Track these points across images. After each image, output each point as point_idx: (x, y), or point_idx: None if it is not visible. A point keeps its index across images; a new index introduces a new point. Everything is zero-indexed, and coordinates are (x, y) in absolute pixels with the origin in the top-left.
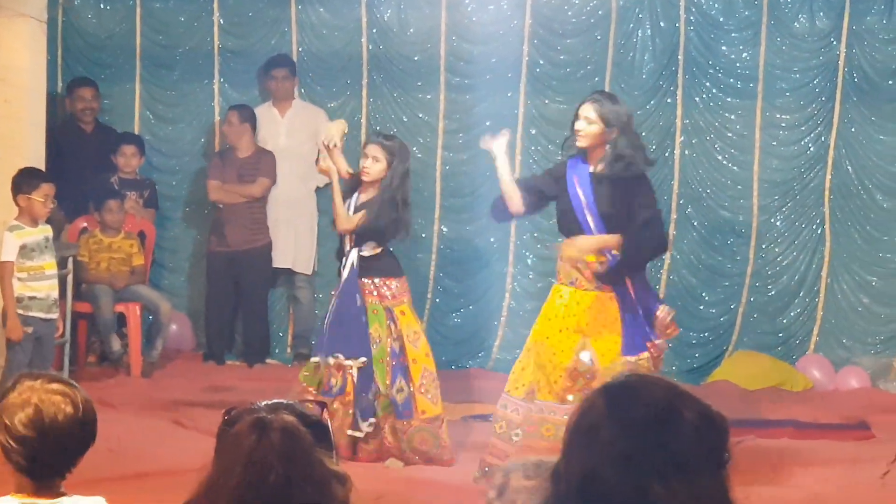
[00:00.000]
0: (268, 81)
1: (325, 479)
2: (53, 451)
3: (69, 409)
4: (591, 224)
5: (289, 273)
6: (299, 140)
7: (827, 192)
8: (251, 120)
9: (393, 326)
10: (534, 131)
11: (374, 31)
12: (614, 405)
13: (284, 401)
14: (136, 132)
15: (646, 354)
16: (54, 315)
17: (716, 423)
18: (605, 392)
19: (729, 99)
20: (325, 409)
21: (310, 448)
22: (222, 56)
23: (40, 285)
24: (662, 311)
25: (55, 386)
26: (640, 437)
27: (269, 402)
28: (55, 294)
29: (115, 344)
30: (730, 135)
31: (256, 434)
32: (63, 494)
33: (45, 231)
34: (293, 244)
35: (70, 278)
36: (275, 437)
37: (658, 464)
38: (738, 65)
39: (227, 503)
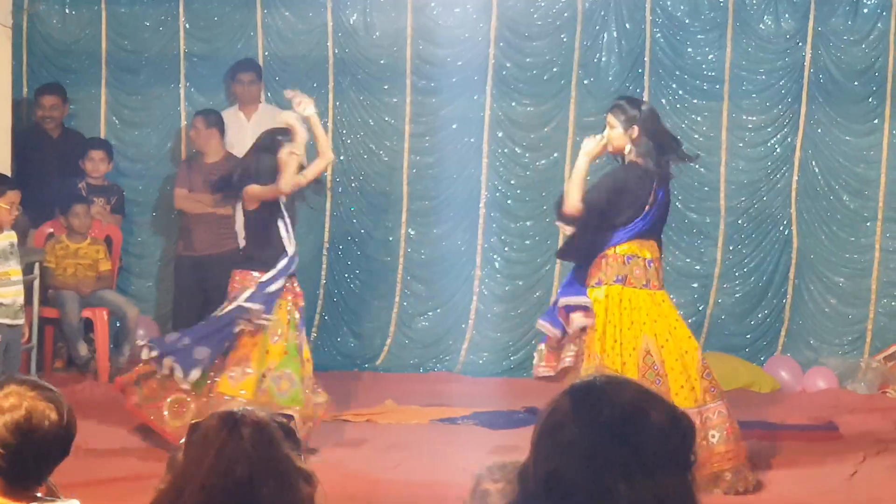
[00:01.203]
0: (234, 85)
1: (293, 475)
2: (35, 456)
3: (54, 416)
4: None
5: None
6: None
7: (794, 194)
8: (219, 125)
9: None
10: (500, 134)
11: (340, 34)
12: (579, 405)
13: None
14: (103, 137)
15: None
16: (20, 321)
17: (682, 424)
18: (570, 392)
19: (695, 101)
20: (292, 420)
21: (279, 444)
22: (188, 60)
23: (6, 291)
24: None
25: (41, 392)
26: (606, 437)
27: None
28: (21, 300)
29: (83, 349)
30: (696, 136)
31: (227, 428)
32: (37, 499)
33: (10, 237)
34: None
35: (36, 284)
36: (245, 432)
37: (623, 463)
38: (703, 66)
39: (193, 496)
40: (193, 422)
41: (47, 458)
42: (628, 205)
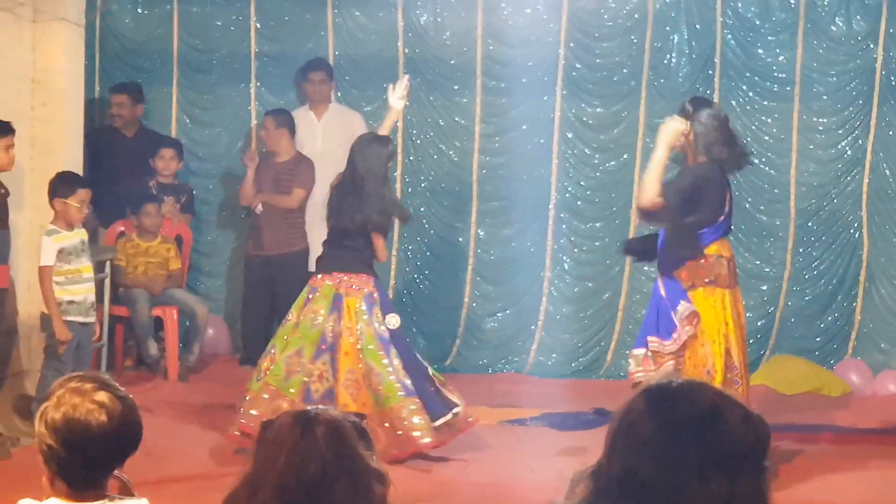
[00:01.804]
0: (305, 85)
1: (366, 475)
2: (84, 458)
3: (102, 418)
4: None
5: None
6: (336, 144)
7: (864, 196)
8: (289, 125)
9: (336, 313)
10: (570, 135)
11: (410, 34)
12: (655, 405)
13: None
14: (174, 136)
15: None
16: (92, 319)
17: (757, 428)
18: (646, 393)
19: (765, 102)
20: (364, 419)
21: (353, 443)
22: (259, 60)
23: (78, 289)
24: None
25: (94, 392)
26: (681, 436)
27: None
28: (92, 297)
29: (153, 348)
30: (767, 138)
31: (301, 427)
32: (105, 497)
33: (81, 234)
34: None
35: (107, 282)
36: (319, 431)
37: (698, 463)
38: (774, 68)
39: (267, 495)
40: (266, 420)
41: (97, 459)
42: (708, 203)
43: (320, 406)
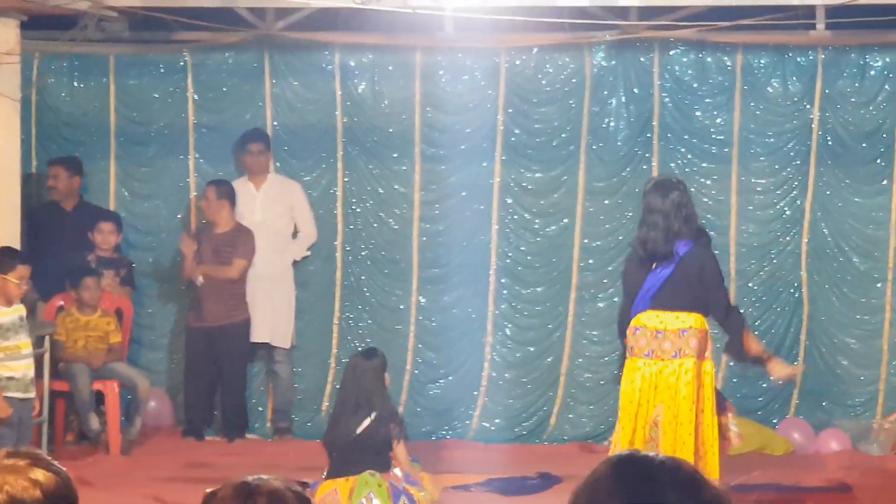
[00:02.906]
0: (243, 156)
1: None
2: None
3: (37, 494)
4: None
5: (267, 347)
6: (275, 214)
7: (804, 256)
8: (229, 195)
9: None
10: (510, 200)
11: (349, 103)
12: (627, 475)
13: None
14: (112, 209)
15: None
16: (31, 394)
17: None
18: (615, 462)
19: (704, 164)
20: (307, 488)
21: None
22: (197, 131)
23: (17, 364)
24: None
25: (28, 469)
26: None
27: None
28: (31, 373)
29: (94, 422)
30: (706, 200)
31: (242, 498)
32: None
33: (19, 310)
34: (271, 318)
35: (47, 357)
36: (261, 502)
37: None
38: (712, 130)
39: None
40: (208, 491)
41: None
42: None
43: (261, 476)
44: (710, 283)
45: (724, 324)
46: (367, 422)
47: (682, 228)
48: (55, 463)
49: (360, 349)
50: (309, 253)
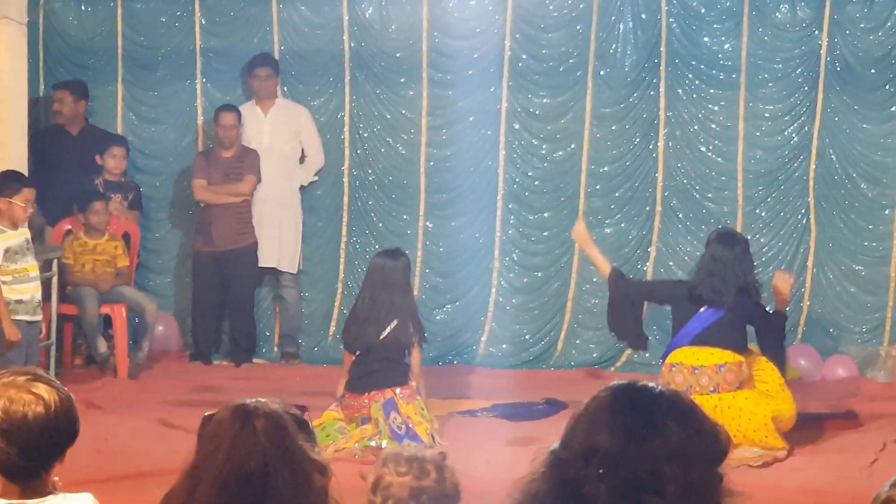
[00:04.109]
0: (251, 80)
1: (307, 467)
2: (23, 450)
3: (39, 409)
4: None
5: (274, 272)
6: (283, 138)
7: (811, 182)
8: (240, 120)
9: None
10: (517, 126)
11: (356, 28)
12: (627, 398)
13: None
14: (120, 133)
15: None
16: (38, 317)
17: (723, 438)
18: (617, 387)
19: (712, 90)
20: (305, 411)
21: (293, 436)
22: (204, 56)
23: (24, 287)
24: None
25: (30, 384)
26: (653, 424)
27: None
28: (39, 296)
29: (102, 346)
30: (713, 126)
31: (240, 421)
32: (51, 493)
33: (25, 233)
34: (278, 243)
35: (55, 281)
36: (259, 424)
37: (665, 447)
38: (720, 56)
39: (207, 490)
40: (206, 414)
41: (37, 451)
42: None
43: (260, 399)
44: (761, 325)
45: (775, 347)
46: (390, 326)
47: (735, 281)
48: (55, 380)
49: (381, 249)
50: (316, 178)
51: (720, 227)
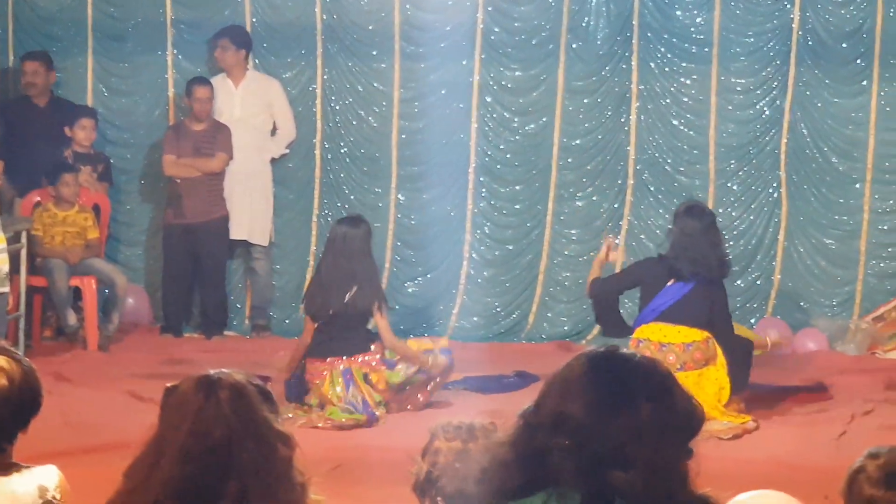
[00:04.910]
0: (217, 52)
1: (271, 438)
2: None
3: (3, 382)
4: None
5: (245, 245)
6: (254, 111)
7: (783, 156)
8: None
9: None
10: (489, 99)
11: (328, 0)
12: (601, 367)
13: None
14: (90, 105)
15: None
16: (6, 289)
17: (697, 413)
18: (591, 356)
19: (684, 64)
20: (268, 382)
21: (257, 406)
22: (175, 28)
23: None
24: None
25: None
26: (626, 396)
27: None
28: (6, 268)
29: (71, 318)
30: (685, 100)
31: (204, 392)
32: (13, 466)
33: None
34: (249, 215)
35: (24, 252)
36: (223, 395)
37: (635, 420)
38: (692, 29)
39: (172, 461)
40: (169, 385)
41: (1, 423)
42: None
43: (223, 370)
44: (718, 311)
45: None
46: (350, 293)
47: (710, 254)
48: (17, 352)
49: (341, 217)
50: (288, 151)
51: (686, 201)
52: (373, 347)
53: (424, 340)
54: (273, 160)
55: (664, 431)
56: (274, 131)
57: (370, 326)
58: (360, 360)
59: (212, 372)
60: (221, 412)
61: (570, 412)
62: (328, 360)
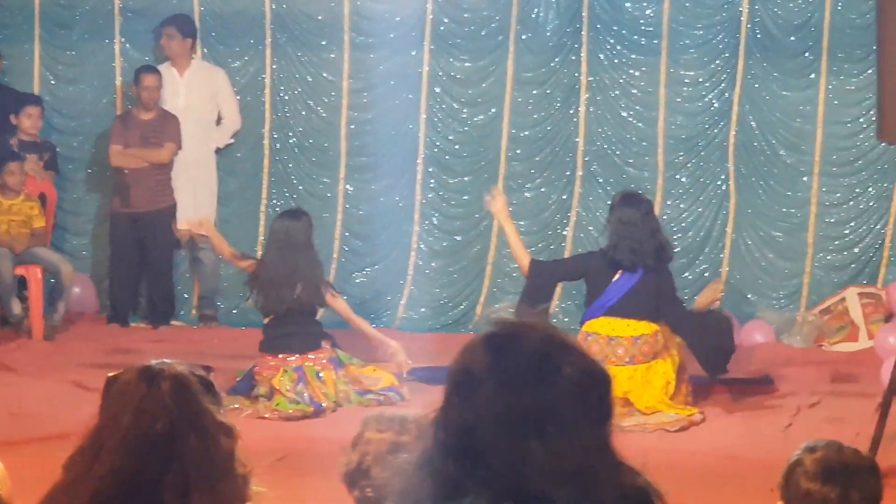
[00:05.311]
0: (162, 41)
1: (213, 430)
2: None
3: None
4: None
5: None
6: (199, 100)
7: (731, 148)
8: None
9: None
10: (438, 90)
11: None
12: (491, 350)
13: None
14: (37, 93)
15: None
16: None
17: (596, 378)
18: (486, 341)
19: (633, 56)
20: (210, 372)
21: (200, 397)
22: (123, 16)
23: None
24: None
25: None
26: (518, 395)
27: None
28: None
29: (16, 307)
30: (634, 91)
31: (146, 382)
32: None
33: None
34: (193, 205)
35: None
36: (165, 386)
37: (536, 421)
38: (641, 21)
39: (112, 453)
40: (110, 376)
41: None
42: None
43: (165, 360)
44: (667, 298)
45: (678, 332)
46: (300, 286)
47: (650, 242)
48: None
49: (282, 211)
50: (233, 140)
51: (621, 191)
52: (323, 345)
53: (379, 372)
54: (220, 150)
55: (574, 416)
56: (219, 121)
57: (319, 318)
58: (311, 356)
59: (154, 362)
60: (163, 403)
61: (475, 425)
62: (280, 356)
